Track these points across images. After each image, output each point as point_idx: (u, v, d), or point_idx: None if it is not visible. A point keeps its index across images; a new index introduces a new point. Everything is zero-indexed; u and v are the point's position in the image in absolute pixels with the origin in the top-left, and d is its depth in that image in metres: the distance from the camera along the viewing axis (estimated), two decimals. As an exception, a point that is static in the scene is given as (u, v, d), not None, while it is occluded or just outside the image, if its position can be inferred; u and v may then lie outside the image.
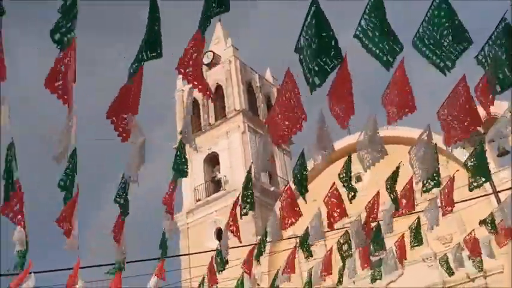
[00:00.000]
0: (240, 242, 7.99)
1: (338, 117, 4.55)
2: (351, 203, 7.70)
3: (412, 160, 5.77)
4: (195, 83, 4.23)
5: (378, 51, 3.71)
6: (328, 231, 8.30)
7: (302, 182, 6.68)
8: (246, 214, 7.16)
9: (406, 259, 11.21)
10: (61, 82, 3.83)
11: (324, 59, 3.65)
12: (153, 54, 3.88)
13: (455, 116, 4.70)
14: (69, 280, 8.17)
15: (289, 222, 7.67)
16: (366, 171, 6.01)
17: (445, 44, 3.68)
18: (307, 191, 6.78)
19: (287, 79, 4.50)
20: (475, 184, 6.78)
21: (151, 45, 3.85)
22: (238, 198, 7.45)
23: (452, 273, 11.80)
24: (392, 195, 7.98)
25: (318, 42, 3.59)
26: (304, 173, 6.71)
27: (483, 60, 4.01)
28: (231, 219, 7.75)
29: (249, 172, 7.11)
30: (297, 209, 7.87)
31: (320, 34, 3.60)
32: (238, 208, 7.49)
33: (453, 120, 4.72)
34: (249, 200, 7.00)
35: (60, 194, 5.19)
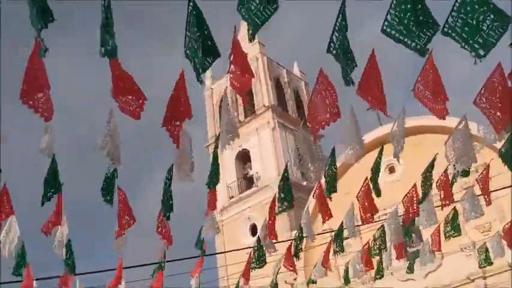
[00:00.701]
0: (276, 238, 8.01)
1: (374, 105, 4.59)
2: (378, 196, 7.62)
3: (448, 151, 5.66)
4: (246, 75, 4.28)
5: (409, 41, 3.70)
6: (360, 225, 8.24)
7: (331, 182, 6.67)
8: (284, 211, 7.17)
9: (440, 250, 11.03)
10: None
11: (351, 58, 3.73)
12: (213, 57, 3.89)
13: (495, 103, 4.62)
14: (114, 281, 8.37)
15: (321, 219, 7.67)
16: (398, 162, 5.98)
17: (484, 28, 3.63)
18: (335, 191, 6.77)
19: (321, 78, 4.54)
20: None
21: (209, 51, 3.86)
22: (275, 196, 7.49)
23: (490, 263, 11.56)
24: (424, 189, 7.88)
25: (346, 41, 3.66)
26: (334, 170, 6.70)
27: None
28: (267, 217, 7.78)
29: (285, 170, 7.12)
30: (327, 207, 7.85)
31: (346, 33, 3.67)
32: (274, 205, 7.53)
33: (494, 107, 4.64)
34: (287, 198, 6.98)
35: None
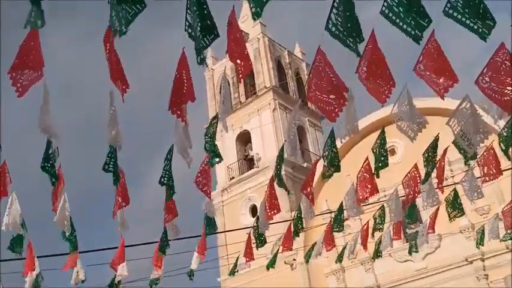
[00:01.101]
0: (272, 218, 8.05)
1: (377, 92, 4.56)
2: (377, 177, 7.61)
3: (455, 131, 5.60)
4: (242, 63, 4.25)
5: (405, 26, 3.70)
6: (363, 205, 8.27)
7: (333, 161, 6.66)
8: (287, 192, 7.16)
9: (434, 232, 11.11)
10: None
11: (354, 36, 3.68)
12: (212, 36, 3.87)
13: (502, 80, 4.60)
14: (115, 259, 8.45)
15: (321, 200, 7.68)
16: (412, 142, 5.93)
17: (481, 9, 3.61)
18: (339, 170, 6.76)
19: (319, 56, 4.50)
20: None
21: (207, 29, 3.84)
22: (272, 176, 7.49)
23: (482, 244, 11.69)
24: (428, 169, 7.85)
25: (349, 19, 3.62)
26: (334, 150, 6.69)
27: None
28: (267, 196, 7.80)
29: (281, 151, 7.11)
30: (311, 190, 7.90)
31: (349, 12, 3.63)
32: (272, 185, 7.54)
33: (501, 83, 4.61)
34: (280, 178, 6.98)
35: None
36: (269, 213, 7.98)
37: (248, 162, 26.68)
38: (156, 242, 7.82)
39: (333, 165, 6.67)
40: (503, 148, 6.65)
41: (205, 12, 3.82)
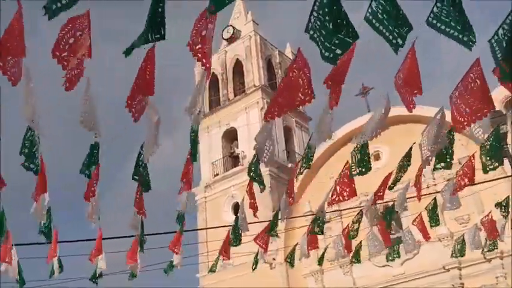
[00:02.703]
0: (256, 217, 8.03)
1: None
2: (351, 177, 7.64)
3: (423, 141, 5.70)
4: (203, 60, 4.20)
5: (388, 34, 3.68)
6: (341, 210, 8.31)
7: (308, 161, 6.63)
8: (261, 191, 7.03)
9: (417, 240, 11.26)
10: (67, 53, 3.81)
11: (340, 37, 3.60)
12: (157, 36, 3.82)
13: (465, 100, 4.65)
14: (94, 251, 8.40)
15: (303, 201, 7.71)
16: (352, 143, 6.08)
17: (465, 18, 3.63)
18: (309, 167, 6.73)
19: (298, 58, 4.47)
20: (491, 167, 6.71)
21: (156, 27, 3.80)
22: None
23: (463, 255, 11.84)
24: (399, 176, 7.97)
25: (332, 21, 3.54)
26: (310, 151, 6.65)
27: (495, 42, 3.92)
28: (248, 194, 7.76)
29: (256, 151, 6.97)
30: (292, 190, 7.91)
31: (333, 13, 3.55)
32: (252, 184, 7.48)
33: (463, 104, 4.67)
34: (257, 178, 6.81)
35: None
36: (250, 212, 7.97)
37: (233, 160, 26.65)
38: (132, 236, 7.75)
39: (307, 164, 6.65)
40: (484, 161, 6.74)
41: (160, 10, 3.79)
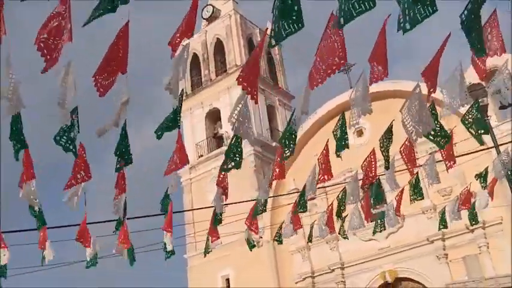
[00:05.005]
0: (226, 198, 7.85)
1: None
2: (338, 157, 7.65)
3: (404, 118, 5.69)
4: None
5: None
6: (325, 186, 8.38)
7: (289, 144, 6.53)
8: (228, 170, 6.78)
9: (401, 214, 11.42)
10: (46, 36, 3.79)
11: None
12: (109, 8, 3.78)
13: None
14: (79, 235, 8.37)
15: (288, 179, 7.75)
16: (350, 128, 6.09)
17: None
18: (292, 153, 6.65)
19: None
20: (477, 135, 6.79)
21: (110, 5, 3.76)
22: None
23: (445, 227, 12.05)
24: (385, 154, 8.03)
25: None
26: (293, 136, 6.52)
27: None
28: (221, 175, 7.55)
29: (236, 129, 6.80)
30: (281, 169, 7.91)
31: None
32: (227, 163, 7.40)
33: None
34: (235, 158, 6.60)
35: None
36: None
37: (217, 141, 26.60)
38: (115, 220, 7.71)
39: (288, 146, 6.53)
40: (473, 133, 6.82)
41: None
